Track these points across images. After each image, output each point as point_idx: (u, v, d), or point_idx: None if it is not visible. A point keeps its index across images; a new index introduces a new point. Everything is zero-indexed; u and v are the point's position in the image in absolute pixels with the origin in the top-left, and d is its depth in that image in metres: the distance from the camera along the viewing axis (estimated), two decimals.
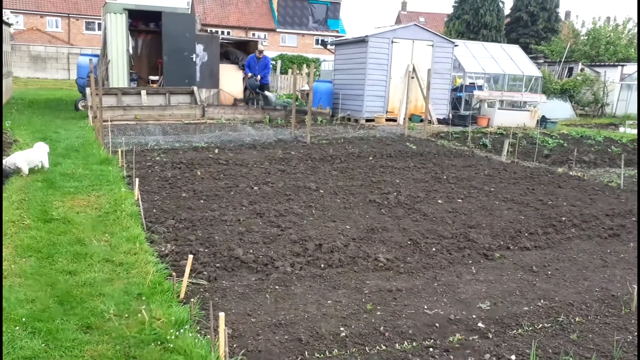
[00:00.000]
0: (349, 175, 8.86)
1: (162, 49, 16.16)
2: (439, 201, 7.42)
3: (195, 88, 15.76)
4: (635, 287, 4.39)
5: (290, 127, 13.47)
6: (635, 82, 22.32)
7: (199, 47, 16.54)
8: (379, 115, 16.05)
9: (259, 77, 16.01)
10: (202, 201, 6.81)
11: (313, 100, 15.06)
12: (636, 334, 3.90)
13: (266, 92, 16.24)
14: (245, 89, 17.10)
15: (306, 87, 20.41)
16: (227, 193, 7.26)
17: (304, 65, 29.75)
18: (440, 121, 16.44)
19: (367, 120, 15.99)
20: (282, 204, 6.86)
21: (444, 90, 16.79)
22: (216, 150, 10.31)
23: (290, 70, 29.64)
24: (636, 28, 28.14)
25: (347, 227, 6.04)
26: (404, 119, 14.69)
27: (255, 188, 7.60)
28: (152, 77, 17.12)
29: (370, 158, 10.40)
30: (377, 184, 8.24)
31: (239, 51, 18.46)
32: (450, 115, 16.75)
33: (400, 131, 14.06)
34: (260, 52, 16.07)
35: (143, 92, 15.12)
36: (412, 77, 15.88)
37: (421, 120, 15.37)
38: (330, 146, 11.50)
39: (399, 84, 16.11)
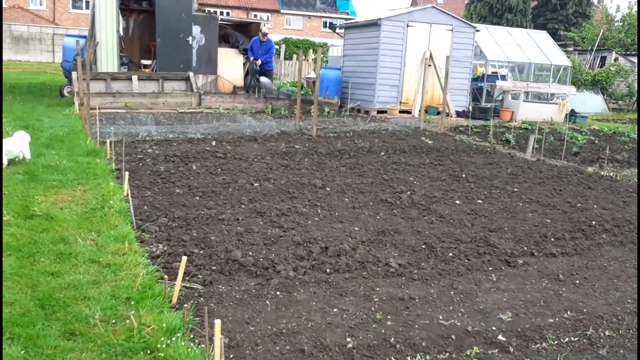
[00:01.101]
0: (359, 172, 8.86)
1: (155, 31, 16.18)
2: (457, 202, 7.41)
3: (191, 74, 15.78)
4: None
5: (294, 118, 13.47)
6: None
7: (196, 29, 16.55)
8: (391, 106, 16.03)
9: (259, 61, 16.02)
10: (197, 198, 6.83)
11: (320, 89, 15.05)
12: None
13: (262, 78, 16.23)
14: (246, 75, 17.11)
15: (312, 75, 20.44)
16: (224, 189, 7.27)
17: (310, 51, 29.74)
18: (459, 114, 16.40)
19: (379, 112, 15.98)
20: (285, 202, 6.87)
21: (463, 79, 16.74)
22: (213, 143, 10.33)
23: (295, 56, 29.65)
24: None
25: (356, 228, 6.04)
26: (420, 110, 14.67)
27: (256, 184, 7.61)
28: (144, 62, 17.16)
29: (382, 153, 10.40)
30: (389, 182, 8.23)
31: (239, 34, 18.47)
32: (471, 108, 16.71)
33: (415, 124, 14.04)
34: (264, 35, 16.09)
35: (134, 77, 15.16)
36: (429, 65, 15.84)
37: (438, 113, 15.34)
38: (338, 140, 11.49)
39: (415, 73, 16.08)
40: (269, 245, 5.36)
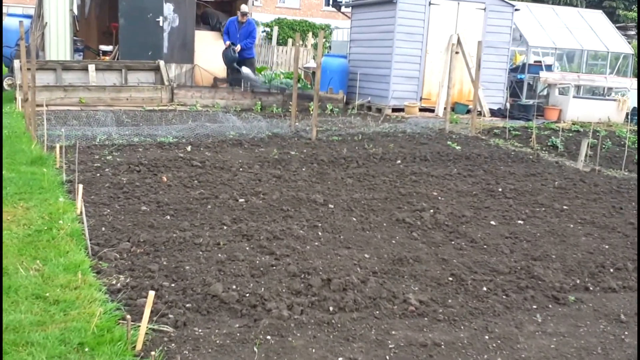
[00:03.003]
0: (369, 184, 8.85)
1: (117, 9, 16.25)
2: (492, 222, 7.39)
3: (161, 63, 15.84)
4: None
5: (289, 118, 13.48)
6: None
7: (168, 8, 16.64)
8: (410, 102, 16.07)
9: (238, 47, 15.99)
10: (168, 217, 6.82)
11: (321, 81, 15.08)
12: None
13: (243, 69, 16.19)
14: None
15: (312, 64, 20.49)
16: (202, 207, 7.26)
17: (310, 34, 29.89)
18: (493, 112, 16.44)
19: (394, 110, 16.02)
20: (278, 222, 6.85)
21: (499, 70, 16.80)
22: (188, 148, 10.34)
23: (290, 41, 29.78)
24: None
25: (366, 256, 6.02)
26: (445, 108, 14.69)
27: (241, 200, 7.60)
28: (103, 47, 17.24)
29: (398, 161, 10.40)
30: (407, 198, 8.22)
31: (222, 14, 18.59)
32: (508, 105, 16.77)
33: (439, 125, 14.05)
34: (244, 14, 16.12)
35: (91, 67, 15.20)
36: (457, 52, 15.86)
37: (468, 111, 15.37)
38: (343, 144, 11.50)
39: (439, 62, 16.12)
40: (258, 277, 5.34)
